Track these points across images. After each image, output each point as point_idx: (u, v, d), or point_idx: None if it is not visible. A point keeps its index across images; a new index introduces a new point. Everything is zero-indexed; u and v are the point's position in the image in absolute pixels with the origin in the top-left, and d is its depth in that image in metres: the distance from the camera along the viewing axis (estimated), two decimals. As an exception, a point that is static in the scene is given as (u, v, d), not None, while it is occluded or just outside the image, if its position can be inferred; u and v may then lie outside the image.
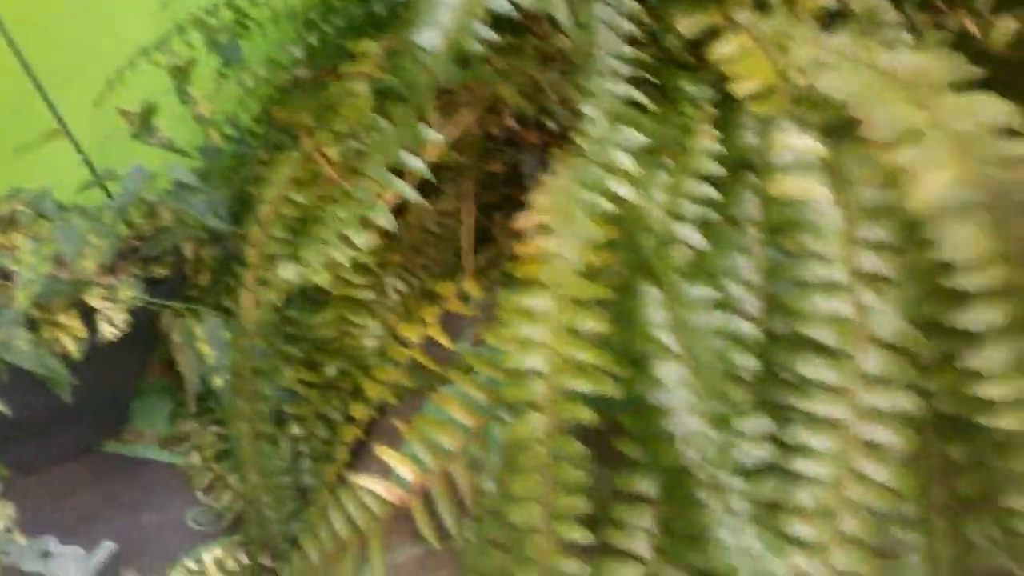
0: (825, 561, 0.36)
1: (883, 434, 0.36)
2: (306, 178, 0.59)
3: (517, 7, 0.44)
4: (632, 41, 0.52)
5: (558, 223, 0.45)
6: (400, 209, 0.63)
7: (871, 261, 0.38)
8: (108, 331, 0.63)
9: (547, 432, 0.39)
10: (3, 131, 0.81)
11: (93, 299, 0.62)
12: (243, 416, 0.62)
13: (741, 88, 0.45)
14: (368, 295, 0.67)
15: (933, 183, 0.35)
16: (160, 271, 0.78)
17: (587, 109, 0.42)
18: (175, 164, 0.71)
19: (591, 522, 0.38)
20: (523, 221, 0.47)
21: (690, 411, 0.36)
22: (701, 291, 0.39)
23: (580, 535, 0.37)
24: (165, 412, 0.86)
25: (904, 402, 0.36)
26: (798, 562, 0.36)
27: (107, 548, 0.68)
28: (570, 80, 0.45)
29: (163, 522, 0.72)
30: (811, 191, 0.40)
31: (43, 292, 0.63)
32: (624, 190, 0.42)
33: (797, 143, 0.41)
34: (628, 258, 0.42)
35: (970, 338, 0.33)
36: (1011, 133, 0.35)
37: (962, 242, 0.33)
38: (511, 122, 0.57)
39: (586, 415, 0.39)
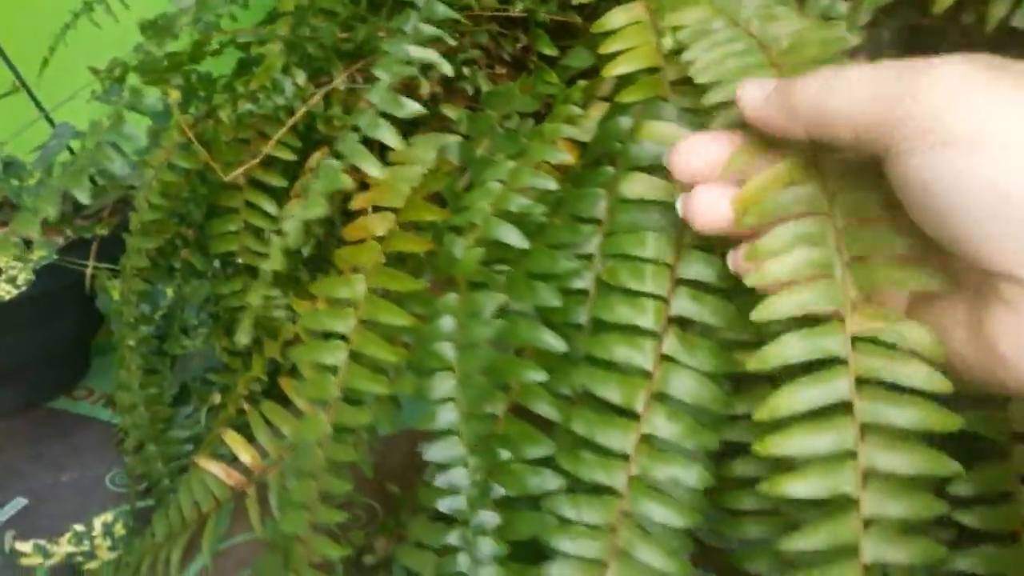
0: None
1: (660, 512, 0.30)
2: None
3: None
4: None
5: (383, 198, 0.41)
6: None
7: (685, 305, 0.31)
8: (5, 290, 0.63)
9: (327, 436, 0.36)
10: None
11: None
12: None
13: (615, 68, 0.38)
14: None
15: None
16: (100, 230, 0.77)
17: (378, 73, 0.37)
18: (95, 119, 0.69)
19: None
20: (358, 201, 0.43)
21: (452, 432, 0.32)
22: (490, 298, 0.34)
23: (335, 551, 0.34)
24: (120, 370, 0.86)
25: (690, 476, 0.30)
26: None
27: (17, 504, 0.68)
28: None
29: (82, 481, 0.72)
30: (658, 191, 0.34)
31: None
32: (375, 171, 0.37)
33: (666, 132, 0.35)
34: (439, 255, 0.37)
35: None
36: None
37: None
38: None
39: (365, 419, 0.35)
